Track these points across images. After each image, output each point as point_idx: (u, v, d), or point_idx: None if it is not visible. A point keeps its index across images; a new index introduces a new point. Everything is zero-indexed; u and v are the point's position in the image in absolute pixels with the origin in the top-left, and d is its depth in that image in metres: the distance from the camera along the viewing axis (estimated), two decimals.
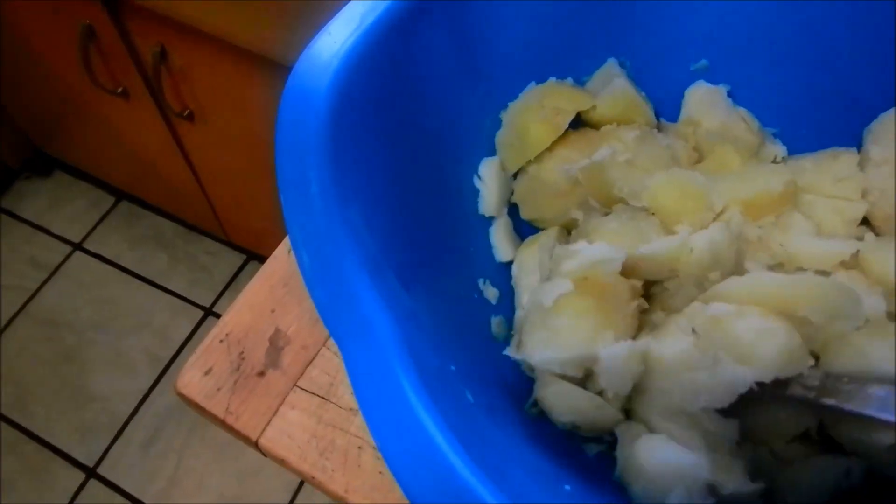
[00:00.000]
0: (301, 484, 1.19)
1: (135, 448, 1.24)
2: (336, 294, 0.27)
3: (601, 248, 0.35)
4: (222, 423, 0.41)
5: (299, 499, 1.18)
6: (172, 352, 1.33)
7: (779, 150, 0.42)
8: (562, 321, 0.34)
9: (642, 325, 0.37)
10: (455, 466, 0.24)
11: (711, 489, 0.31)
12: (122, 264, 1.43)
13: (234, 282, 1.40)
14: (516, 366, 0.37)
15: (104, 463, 1.23)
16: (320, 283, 0.28)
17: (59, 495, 1.20)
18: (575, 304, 0.34)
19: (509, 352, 0.36)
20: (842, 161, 0.39)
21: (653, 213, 0.38)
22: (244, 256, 1.42)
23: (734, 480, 0.31)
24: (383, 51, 0.34)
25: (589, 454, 0.36)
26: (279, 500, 1.18)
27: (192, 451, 1.22)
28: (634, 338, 0.36)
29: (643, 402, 0.35)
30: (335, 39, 0.32)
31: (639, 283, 0.37)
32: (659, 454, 0.32)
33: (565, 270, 0.35)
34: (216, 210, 1.24)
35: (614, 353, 0.33)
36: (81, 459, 1.23)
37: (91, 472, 1.22)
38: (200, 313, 1.37)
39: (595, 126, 0.42)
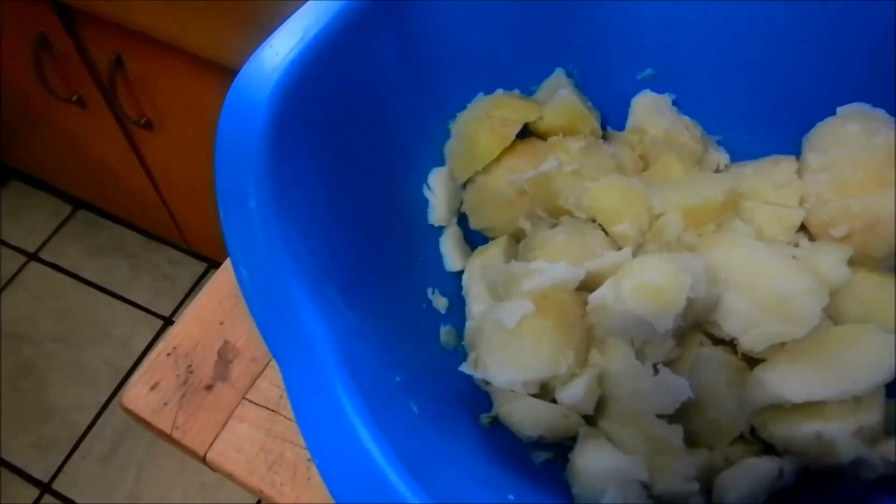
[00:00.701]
0: None
1: (93, 462, 1.21)
2: (275, 310, 0.27)
3: (561, 267, 0.35)
4: (169, 438, 0.41)
5: None
6: (132, 362, 1.31)
7: (722, 157, 0.43)
8: (524, 342, 0.34)
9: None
10: (392, 481, 0.24)
11: (647, 488, 0.32)
12: (82, 274, 1.40)
13: (194, 290, 1.38)
14: (467, 376, 0.37)
15: (60, 478, 1.20)
16: (259, 298, 0.27)
17: None
18: (536, 325, 0.35)
19: (466, 368, 0.36)
20: (781, 168, 0.40)
21: (595, 221, 0.38)
22: (205, 265, 1.41)
23: (669, 481, 0.32)
24: (327, 63, 0.33)
25: (537, 462, 0.37)
26: None
27: (154, 464, 1.20)
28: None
29: (598, 408, 0.36)
30: (276, 52, 0.32)
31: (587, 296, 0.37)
32: (597, 457, 0.33)
33: (525, 290, 0.35)
34: (176, 218, 1.22)
35: (576, 390, 0.34)
36: (37, 475, 1.20)
37: (46, 488, 1.19)
38: (161, 322, 1.35)
39: (542, 136, 0.43)
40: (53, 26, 0.89)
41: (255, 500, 1.16)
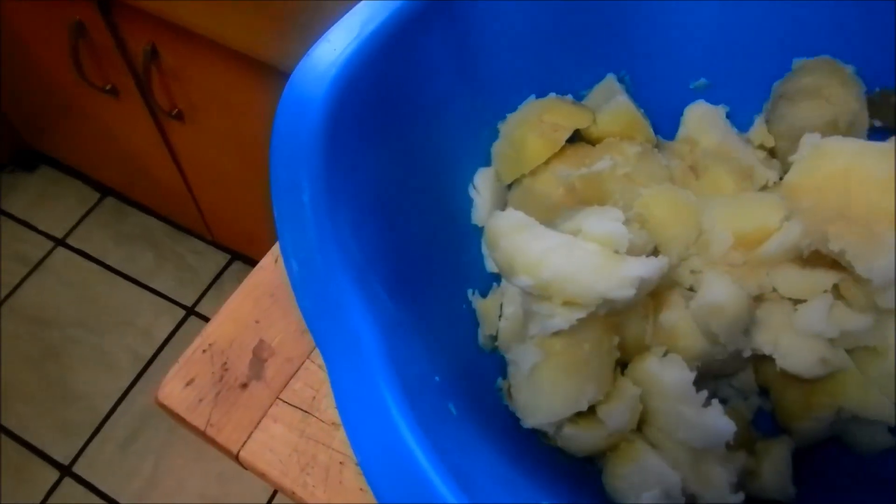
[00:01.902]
0: None
1: (113, 447, 1.22)
2: (323, 303, 0.27)
3: (560, 313, 0.33)
4: (203, 435, 0.40)
5: (276, 500, 1.16)
6: (154, 350, 1.31)
7: (771, 174, 0.41)
8: (542, 387, 0.34)
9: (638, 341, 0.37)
10: (433, 482, 0.23)
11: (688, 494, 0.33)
12: (107, 262, 1.41)
13: (216, 282, 1.39)
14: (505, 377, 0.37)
15: (80, 461, 1.21)
16: (308, 292, 0.27)
17: (33, 494, 1.18)
18: (549, 370, 0.34)
19: (506, 400, 0.36)
20: None
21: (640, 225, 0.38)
22: (228, 256, 1.41)
23: (712, 493, 0.33)
24: (382, 60, 0.33)
25: (574, 464, 0.36)
26: (259, 501, 1.16)
27: (172, 451, 1.21)
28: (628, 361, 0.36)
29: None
30: (334, 48, 0.32)
31: (613, 321, 0.36)
32: (638, 463, 0.34)
33: (531, 335, 0.35)
34: (202, 210, 1.23)
35: (618, 414, 0.35)
36: (59, 458, 1.21)
37: (66, 471, 1.20)
38: (183, 312, 1.35)
39: (592, 142, 0.42)
40: (91, 15, 0.89)
41: (271, 491, 1.16)
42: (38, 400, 1.26)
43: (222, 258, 1.41)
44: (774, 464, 0.35)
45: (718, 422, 0.33)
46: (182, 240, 1.43)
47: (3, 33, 1.09)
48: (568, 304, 0.32)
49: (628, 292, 0.31)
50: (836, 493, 0.37)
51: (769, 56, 0.42)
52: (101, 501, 1.17)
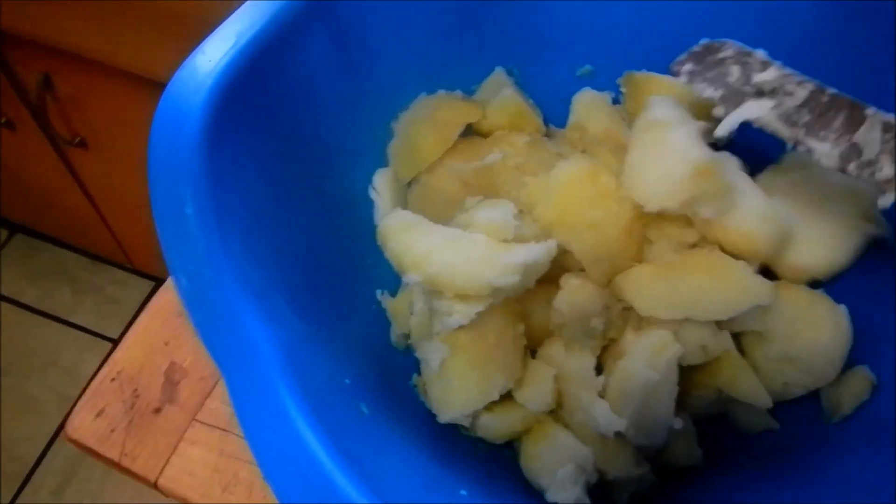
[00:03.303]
0: None
1: (45, 495, 1.17)
2: (216, 317, 0.27)
3: (458, 310, 0.34)
4: (118, 467, 0.39)
5: None
6: (80, 389, 1.26)
7: None
8: (452, 382, 0.35)
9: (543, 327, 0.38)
10: (337, 481, 0.23)
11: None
12: (23, 301, 1.35)
13: (142, 311, 1.35)
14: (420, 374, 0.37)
15: None
16: (200, 306, 0.27)
17: None
18: (457, 364, 0.35)
19: (422, 397, 0.37)
20: None
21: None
22: (153, 283, 1.37)
23: (619, 468, 0.34)
24: (262, 67, 0.33)
25: (493, 451, 0.37)
26: None
27: (109, 493, 1.17)
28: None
29: None
30: (209, 58, 0.32)
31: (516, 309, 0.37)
32: (551, 443, 0.35)
33: (437, 332, 0.35)
34: (118, 238, 1.19)
35: (536, 396, 0.36)
36: None
37: None
38: (109, 346, 1.31)
39: (485, 135, 0.43)
40: None
41: None
42: None
43: (147, 285, 1.37)
44: (679, 434, 0.36)
45: (605, 416, 0.34)
46: (100, 271, 1.39)
47: None
48: (461, 297, 0.33)
49: (512, 279, 0.31)
50: (740, 457, 0.38)
51: (648, 40, 0.43)
52: None
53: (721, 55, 0.35)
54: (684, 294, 0.35)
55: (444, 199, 0.41)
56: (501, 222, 0.34)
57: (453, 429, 0.37)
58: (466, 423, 0.36)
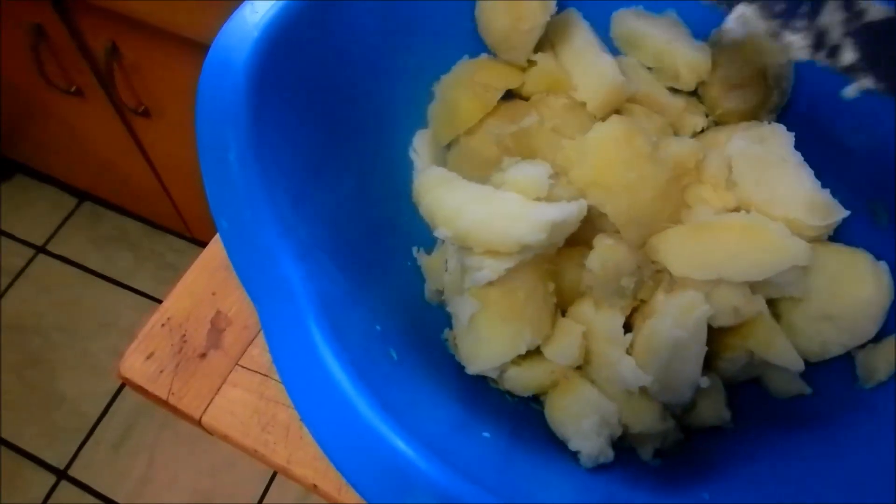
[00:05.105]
0: (274, 476, 1.19)
1: (106, 448, 1.23)
2: (253, 256, 0.28)
3: (488, 265, 0.35)
4: (165, 405, 0.41)
5: (272, 490, 1.18)
6: None
7: (698, 120, 0.43)
8: (482, 335, 0.36)
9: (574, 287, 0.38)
10: (364, 416, 0.24)
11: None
12: (88, 265, 1.42)
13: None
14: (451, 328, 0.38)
15: (75, 464, 1.22)
16: (238, 246, 0.28)
17: (30, 499, 1.19)
18: (487, 319, 0.36)
19: (452, 350, 0.38)
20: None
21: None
22: None
23: (644, 424, 0.34)
24: (307, 22, 0.34)
25: (519, 404, 0.38)
26: (253, 491, 1.18)
27: (164, 448, 1.22)
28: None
29: None
30: (256, 10, 0.33)
31: (547, 269, 0.38)
32: (577, 396, 0.35)
33: (467, 287, 0.36)
34: (178, 207, 1.23)
35: (564, 351, 0.36)
36: (52, 462, 1.22)
37: (62, 474, 1.21)
38: None
39: (525, 98, 0.43)
40: (49, 17, 0.90)
41: (264, 481, 1.18)
42: (26, 407, 1.27)
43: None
44: (707, 394, 0.37)
45: (630, 371, 0.34)
46: (160, 238, 1.44)
47: None
48: (490, 253, 0.33)
49: (539, 236, 0.32)
50: (770, 421, 0.38)
51: None
52: (98, 502, 1.19)
53: None
54: (718, 254, 0.35)
55: (482, 162, 0.41)
56: (535, 180, 0.34)
57: (483, 381, 0.38)
58: (494, 375, 0.37)
